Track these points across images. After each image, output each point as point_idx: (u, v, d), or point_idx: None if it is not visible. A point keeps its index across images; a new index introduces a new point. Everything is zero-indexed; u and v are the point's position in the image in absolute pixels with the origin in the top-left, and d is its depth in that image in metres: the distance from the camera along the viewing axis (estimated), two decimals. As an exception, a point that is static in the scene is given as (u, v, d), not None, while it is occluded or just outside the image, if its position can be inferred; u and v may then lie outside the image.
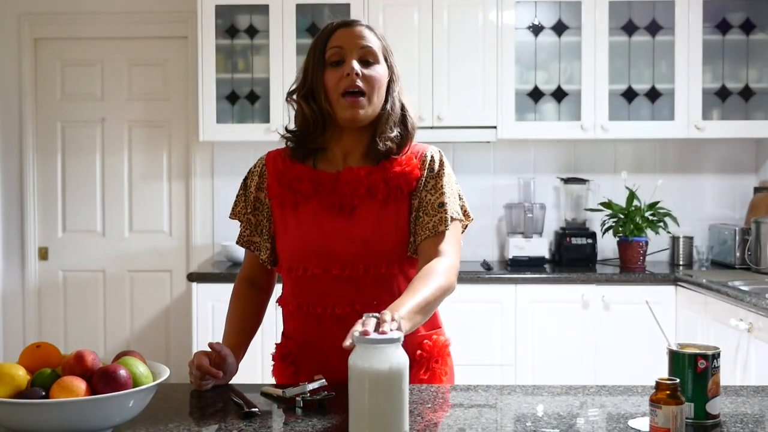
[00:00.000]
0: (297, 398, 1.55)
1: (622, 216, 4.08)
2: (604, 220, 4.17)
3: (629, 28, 4.10)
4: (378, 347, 1.31)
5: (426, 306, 1.61)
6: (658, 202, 4.09)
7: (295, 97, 1.82)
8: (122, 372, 1.36)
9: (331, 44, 1.75)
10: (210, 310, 3.84)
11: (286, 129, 1.87)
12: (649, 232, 4.08)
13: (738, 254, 4.02)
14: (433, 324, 1.85)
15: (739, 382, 3.08)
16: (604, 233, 4.17)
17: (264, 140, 4.12)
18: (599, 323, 3.80)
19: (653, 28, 4.10)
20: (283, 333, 1.89)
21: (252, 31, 4.14)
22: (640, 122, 4.10)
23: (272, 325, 3.86)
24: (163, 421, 1.49)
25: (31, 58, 4.51)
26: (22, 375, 1.36)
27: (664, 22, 4.08)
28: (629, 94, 4.11)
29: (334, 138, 1.80)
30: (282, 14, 4.05)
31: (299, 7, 4.06)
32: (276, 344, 1.89)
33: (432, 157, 1.81)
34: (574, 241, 4.13)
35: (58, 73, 4.55)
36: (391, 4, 4.04)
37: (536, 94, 4.12)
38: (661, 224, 4.07)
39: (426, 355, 1.81)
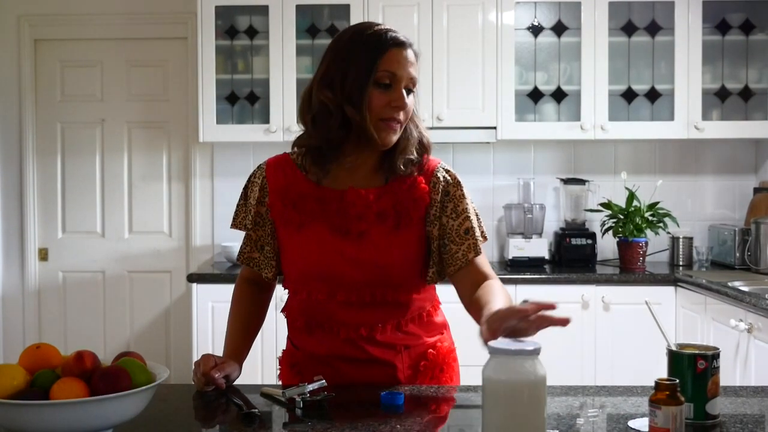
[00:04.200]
0: (297, 399, 1.55)
1: (621, 216, 4.08)
2: (604, 221, 4.17)
3: (629, 29, 4.10)
4: (514, 359, 1.24)
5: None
6: (657, 203, 4.09)
7: (329, 94, 1.68)
8: (122, 373, 1.36)
9: (384, 65, 1.65)
10: (210, 311, 3.84)
11: (299, 138, 1.77)
12: (649, 233, 4.08)
13: (738, 255, 4.02)
14: (438, 329, 1.83)
15: (738, 383, 3.08)
16: (603, 234, 4.17)
17: (264, 141, 4.12)
18: (599, 324, 3.80)
19: (653, 29, 4.10)
20: (289, 339, 1.86)
21: (252, 32, 4.14)
22: (639, 123, 4.10)
23: (272, 327, 3.86)
24: (163, 422, 1.49)
25: (30, 59, 4.51)
26: (22, 376, 1.36)
27: (664, 23, 4.08)
28: (629, 95, 4.11)
29: (347, 150, 1.72)
30: (282, 15, 4.05)
31: (299, 7, 4.06)
32: (283, 350, 1.88)
33: (445, 179, 1.76)
34: (574, 241, 4.13)
35: (58, 74, 4.55)
36: (391, 4, 4.04)
37: (536, 95, 4.12)
38: (661, 225, 4.07)
39: (430, 364, 1.78)
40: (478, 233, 1.74)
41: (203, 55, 4.07)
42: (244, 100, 4.15)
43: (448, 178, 1.76)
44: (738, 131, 4.10)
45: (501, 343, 1.27)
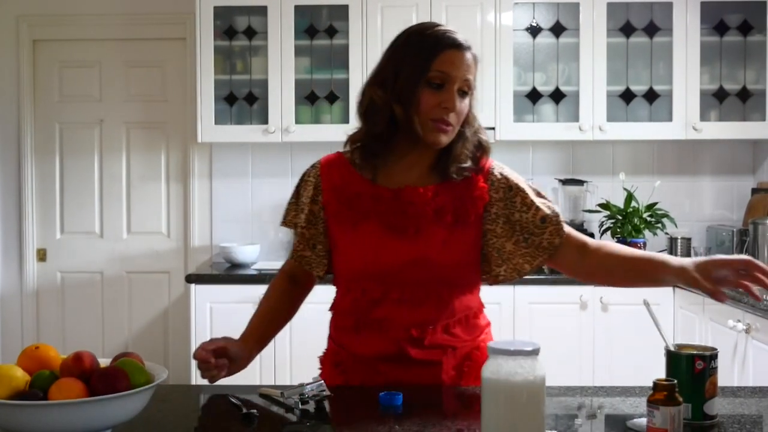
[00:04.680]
0: (295, 399, 1.55)
1: (620, 217, 4.08)
2: (602, 222, 4.18)
3: (627, 30, 4.11)
4: (513, 359, 1.25)
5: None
6: (656, 204, 4.09)
7: (380, 92, 1.69)
8: (120, 373, 1.36)
9: (437, 65, 1.65)
10: (208, 312, 3.84)
11: (353, 133, 1.76)
12: (647, 234, 4.08)
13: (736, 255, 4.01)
14: (481, 330, 1.80)
15: (736, 383, 3.08)
16: (602, 234, 4.18)
17: (262, 141, 4.12)
18: (597, 324, 3.80)
19: (651, 30, 4.10)
20: (332, 339, 1.84)
21: (250, 33, 4.14)
22: (637, 123, 4.10)
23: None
24: (162, 422, 1.49)
25: (29, 60, 4.50)
26: (20, 376, 1.36)
27: (662, 24, 4.08)
28: (627, 96, 4.11)
29: (400, 148, 1.72)
30: (280, 15, 4.05)
31: (297, 8, 4.06)
32: (325, 350, 1.86)
33: (503, 175, 1.75)
34: (573, 242, 4.13)
35: (57, 75, 4.55)
36: (390, 5, 4.04)
37: (534, 96, 4.12)
38: (659, 225, 4.07)
39: (474, 365, 1.74)
40: (555, 219, 1.73)
41: (202, 56, 4.07)
42: (243, 101, 4.15)
43: (506, 174, 1.77)
44: (736, 132, 4.11)
45: (500, 343, 1.28)
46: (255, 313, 1.85)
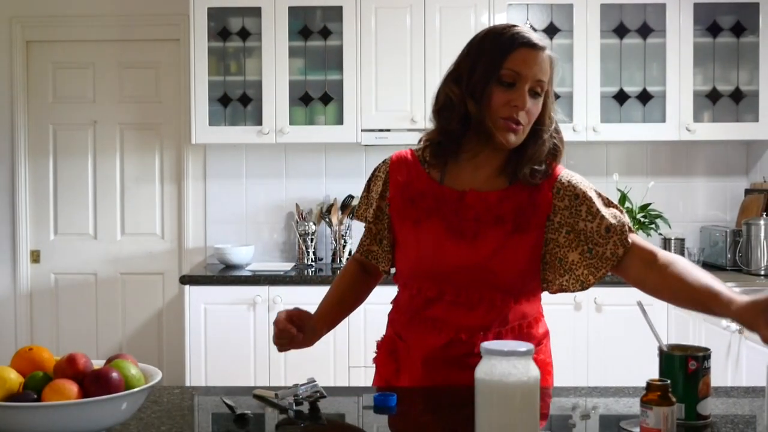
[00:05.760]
0: (290, 401, 1.55)
1: (613, 218, 4.09)
2: (596, 222, 4.18)
3: (620, 31, 4.11)
4: (507, 360, 1.24)
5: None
6: (649, 204, 4.10)
7: (455, 88, 1.70)
8: (114, 375, 1.36)
9: (509, 64, 1.65)
10: (202, 313, 3.84)
11: (427, 132, 1.78)
12: (641, 234, 4.09)
13: (729, 256, 4.03)
14: (537, 340, 1.79)
15: (730, 383, 3.09)
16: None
17: (256, 143, 4.12)
18: (591, 325, 3.81)
19: (644, 31, 4.11)
20: (390, 324, 1.86)
21: (244, 34, 4.14)
22: (631, 124, 4.11)
23: (265, 329, 3.85)
24: (155, 424, 1.49)
25: (22, 61, 4.49)
26: (14, 378, 1.36)
27: (655, 25, 4.09)
28: (621, 97, 4.12)
29: (471, 147, 1.72)
30: (274, 16, 4.05)
31: (291, 9, 4.06)
32: (383, 335, 1.88)
33: (570, 183, 1.73)
34: (567, 243, 4.13)
35: (50, 76, 4.54)
36: (384, 6, 4.04)
37: (528, 97, 4.12)
38: (653, 226, 4.08)
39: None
40: (619, 229, 1.68)
41: (195, 57, 4.06)
42: (237, 102, 4.15)
43: (574, 182, 1.73)
44: (729, 133, 4.12)
45: (494, 344, 1.28)
46: (327, 296, 1.90)
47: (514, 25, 1.71)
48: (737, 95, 4.12)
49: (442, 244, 1.69)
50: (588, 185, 1.75)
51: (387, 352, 1.84)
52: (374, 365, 1.88)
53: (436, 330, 1.72)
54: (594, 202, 1.71)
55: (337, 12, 4.05)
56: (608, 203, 1.74)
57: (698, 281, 1.57)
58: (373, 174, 1.86)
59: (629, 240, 1.68)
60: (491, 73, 1.65)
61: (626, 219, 1.72)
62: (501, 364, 1.24)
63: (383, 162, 1.85)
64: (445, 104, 1.72)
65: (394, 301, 1.86)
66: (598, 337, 3.80)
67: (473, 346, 1.69)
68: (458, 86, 1.70)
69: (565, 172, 1.76)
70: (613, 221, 1.69)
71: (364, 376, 3.64)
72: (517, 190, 1.70)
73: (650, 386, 1.35)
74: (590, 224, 1.69)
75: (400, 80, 4.02)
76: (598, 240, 1.68)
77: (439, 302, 1.72)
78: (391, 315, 1.87)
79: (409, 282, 1.76)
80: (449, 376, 1.73)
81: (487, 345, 1.27)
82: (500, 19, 4.04)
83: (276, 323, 1.76)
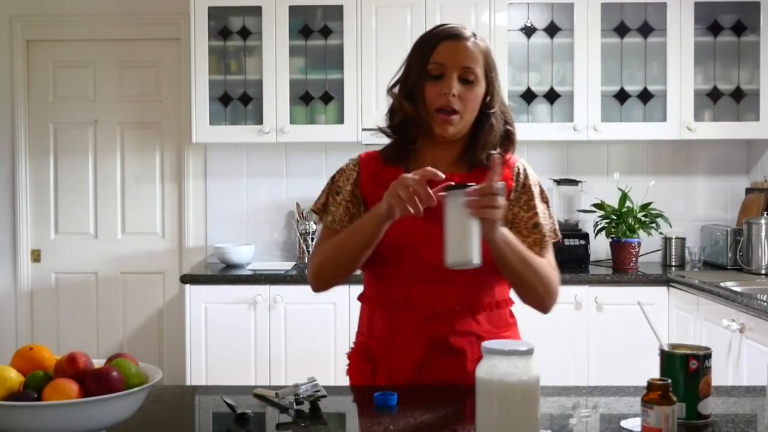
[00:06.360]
0: (290, 400, 1.55)
1: (614, 217, 4.09)
2: (597, 221, 4.18)
3: (621, 30, 4.11)
4: (508, 359, 1.25)
5: (524, 257, 1.67)
6: (650, 203, 4.10)
7: (396, 92, 1.82)
8: (115, 374, 1.36)
9: (434, 58, 1.74)
10: (203, 312, 3.84)
11: (385, 126, 1.87)
12: (642, 233, 4.08)
13: (730, 255, 4.03)
14: (507, 326, 1.85)
15: (730, 383, 3.09)
16: (596, 234, 4.18)
17: (257, 142, 4.12)
18: (592, 324, 3.80)
19: (645, 30, 4.11)
20: (360, 332, 1.89)
21: (245, 33, 4.14)
22: (632, 123, 4.11)
23: (265, 330, 3.85)
24: (156, 423, 1.49)
25: (23, 60, 4.49)
26: (14, 377, 1.36)
27: (656, 24, 4.09)
28: (621, 96, 4.12)
29: (427, 144, 1.81)
30: (275, 16, 4.05)
31: (292, 8, 4.06)
32: (353, 343, 1.90)
33: (525, 171, 1.83)
34: (567, 242, 4.13)
35: (51, 75, 4.54)
36: (384, 5, 4.04)
37: (529, 96, 4.13)
38: (654, 225, 4.08)
39: None
40: (546, 230, 1.79)
41: (196, 56, 4.06)
42: (237, 101, 4.15)
43: (528, 172, 1.83)
44: (730, 132, 4.12)
45: (494, 343, 1.28)
46: (340, 235, 1.80)
47: (441, 25, 1.81)
48: (738, 94, 4.12)
49: (415, 224, 1.72)
50: (535, 179, 1.84)
51: (360, 354, 1.86)
52: (348, 377, 1.88)
53: (411, 310, 1.76)
54: (534, 197, 1.81)
55: (337, 11, 4.05)
56: (546, 201, 1.84)
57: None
58: (337, 172, 1.90)
59: (547, 243, 1.79)
60: (421, 71, 1.75)
61: (555, 224, 1.83)
62: (502, 364, 1.25)
63: (350, 159, 1.90)
64: (390, 110, 1.83)
65: (363, 296, 1.87)
66: (599, 337, 3.79)
67: (451, 323, 1.75)
68: (399, 91, 1.81)
69: (521, 160, 1.86)
70: (542, 221, 1.79)
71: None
72: (477, 172, 1.77)
73: (651, 386, 1.35)
74: (524, 213, 1.80)
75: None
76: (522, 230, 1.78)
77: (413, 280, 1.75)
78: (362, 314, 1.89)
79: (386, 262, 1.78)
80: (429, 361, 1.75)
81: (488, 344, 1.27)
82: (501, 19, 4.04)
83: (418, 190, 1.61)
